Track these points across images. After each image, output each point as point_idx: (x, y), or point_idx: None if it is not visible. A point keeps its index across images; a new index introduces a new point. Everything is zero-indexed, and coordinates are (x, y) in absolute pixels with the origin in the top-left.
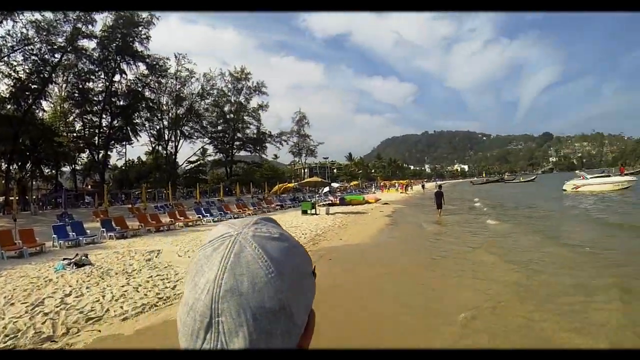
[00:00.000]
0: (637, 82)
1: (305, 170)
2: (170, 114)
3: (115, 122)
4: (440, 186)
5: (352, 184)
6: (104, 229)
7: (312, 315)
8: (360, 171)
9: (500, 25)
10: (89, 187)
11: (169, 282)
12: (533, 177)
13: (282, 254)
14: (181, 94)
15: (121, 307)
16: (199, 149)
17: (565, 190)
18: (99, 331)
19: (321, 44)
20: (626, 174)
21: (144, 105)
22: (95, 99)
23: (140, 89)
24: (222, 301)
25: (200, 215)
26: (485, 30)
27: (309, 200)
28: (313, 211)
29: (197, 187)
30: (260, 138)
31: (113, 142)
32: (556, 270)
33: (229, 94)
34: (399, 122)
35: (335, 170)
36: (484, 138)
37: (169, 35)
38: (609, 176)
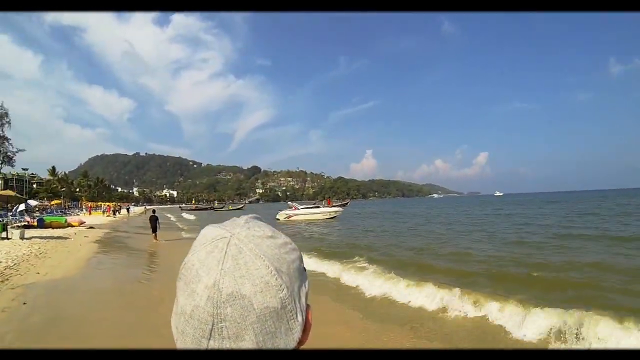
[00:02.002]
0: (336, 133)
1: None
2: None
3: None
4: (154, 210)
5: (53, 202)
6: None
7: (309, 310)
8: (64, 189)
9: (231, 62)
10: None
11: None
12: (242, 206)
13: (278, 251)
14: None
15: None
16: None
17: (278, 219)
18: None
19: (47, 30)
20: (333, 206)
21: None
22: None
23: None
24: (224, 306)
25: None
26: (216, 63)
27: (1, 218)
28: (4, 234)
29: None
30: None
31: None
32: None
33: None
34: (111, 140)
35: (35, 185)
36: (195, 166)
37: None
38: (319, 207)
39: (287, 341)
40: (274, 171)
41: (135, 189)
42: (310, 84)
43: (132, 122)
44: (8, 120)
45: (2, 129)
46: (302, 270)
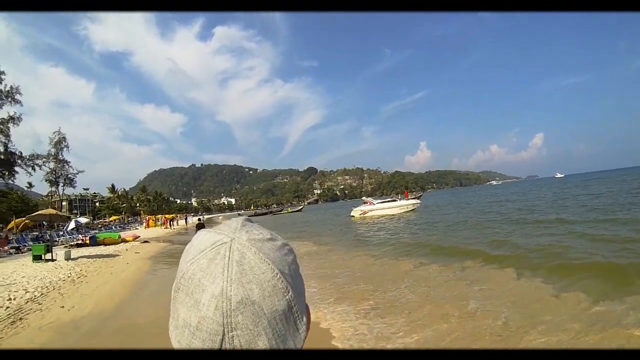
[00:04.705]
0: (389, 127)
1: (64, 202)
2: None
3: None
4: (200, 219)
5: (111, 218)
6: None
7: (308, 310)
8: (125, 205)
9: (277, 67)
10: None
11: None
12: (300, 208)
13: (278, 253)
14: None
15: None
16: None
17: (353, 216)
18: None
19: (97, 58)
20: (410, 198)
21: None
22: None
23: None
24: (235, 314)
25: None
26: (262, 69)
27: (57, 238)
28: (49, 256)
29: None
30: (8, 159)
31: None
32: None
33: None
34: (166, 154)
35: (97, 203)
36: (251, 172)
37: None
38: (395, 200)
39: (296, 341)
40: (330, 171)
41: (193, 200)
42: (358, 80)
43: (186, 135)
44: (66, 144)
45: (61, 153)
46: (299, 270)
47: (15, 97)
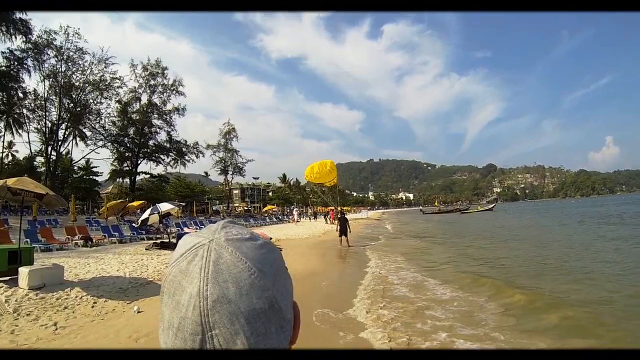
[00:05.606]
0: (574, 119)
1: (236, 190)
2: (56, 106)
3: None
4: (343, 213)
5: (266, 208)
6: None
7: (296, 307)
8: (298, 196)
9: (452, 60)
10: None
11: None
12: (492, 206)
13: (258, 252)
14: (72, 81)
15: None
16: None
17: None
18: None
19: (274, 65)
20: None
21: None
22: None
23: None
24: (211, 313)
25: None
26: (437, 63)
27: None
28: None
29: (88, 201)
30: (173, 147)
31: None
32: None
33: (140, 90)
34: (345, 149)
35: (270, 193)
36: (429, 168)
37: (123, 40)
38: None
39: (280, 340)
40: (510, 168)
41: (370, 194)
42: (535, 69)
43: (363, 132)
44: (235, 134)
45: (230, 143)
46: (285, 269)
47: (179, 89)
